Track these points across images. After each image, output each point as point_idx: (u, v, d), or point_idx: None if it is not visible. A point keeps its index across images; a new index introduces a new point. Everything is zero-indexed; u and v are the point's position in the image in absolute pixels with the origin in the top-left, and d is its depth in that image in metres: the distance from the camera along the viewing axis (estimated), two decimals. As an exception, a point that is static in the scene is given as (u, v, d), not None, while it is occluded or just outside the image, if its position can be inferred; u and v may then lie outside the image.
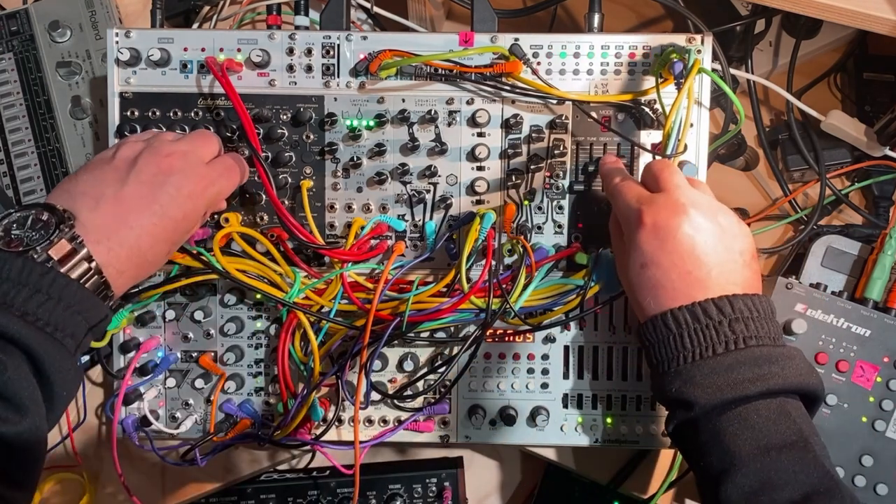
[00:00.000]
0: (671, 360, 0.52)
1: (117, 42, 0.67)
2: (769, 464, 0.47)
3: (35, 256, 0.50)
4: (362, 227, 0.65)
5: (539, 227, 0.67)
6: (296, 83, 0.67)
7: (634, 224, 0.55)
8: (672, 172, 0.57)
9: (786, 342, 0.55)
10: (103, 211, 0.54)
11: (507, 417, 0.67)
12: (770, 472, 0.47)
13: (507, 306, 0.62)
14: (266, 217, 0.67)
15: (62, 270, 0.51)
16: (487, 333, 0.66)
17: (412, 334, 0.64)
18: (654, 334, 0.54)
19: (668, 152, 0.61)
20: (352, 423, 0.67)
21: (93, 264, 0.52)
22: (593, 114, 0.66)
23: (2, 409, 0.48)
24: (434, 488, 0.73)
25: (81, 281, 0.51)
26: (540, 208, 0.67)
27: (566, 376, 0.68)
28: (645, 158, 0.66)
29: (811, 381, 0.52)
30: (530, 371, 0.68)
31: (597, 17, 0.68)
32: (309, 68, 0.66)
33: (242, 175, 0.64)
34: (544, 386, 0.68)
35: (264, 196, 0.67)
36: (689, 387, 0.51)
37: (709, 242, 0.53)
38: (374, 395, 0.67)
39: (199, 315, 0.68)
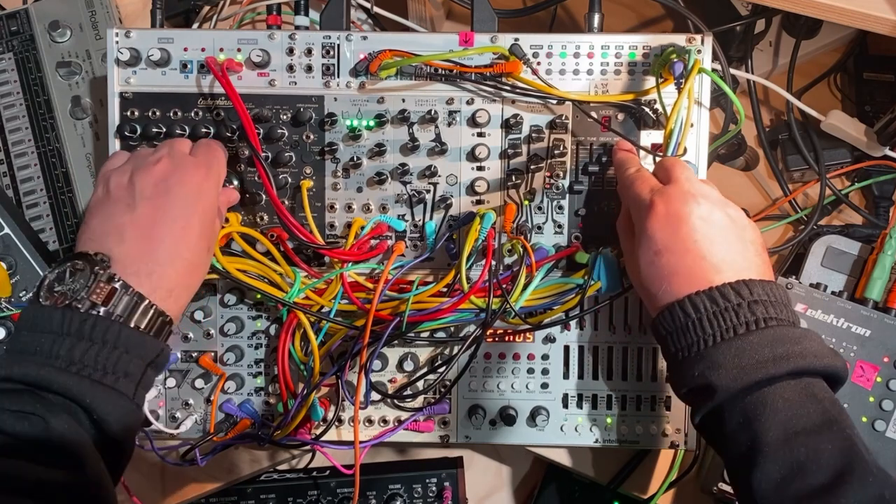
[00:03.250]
0: (691, 345, 0.52)
1: (117, 42, 0.67)
2: (798, 448, 0.47)
3: (79, 307, 0.51)
4: (362, 227, 0.65)
5: (539, 227, 0.67)
6: (296, 83, 0.67)
7: (646, 213, 0.55)
8: (684, 167, 0.58)
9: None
10: (129, 240, 0.54)
11: (507, 417, 0.67)
12: (799, 457, 0.46)
13: (507, 306, 0.62)
14: (266, 217, 0.67)
15: (103, 313, 0.51)
16: (487, 333, 0.66)
17: (412, 334, 0.64)
18: (671, 322, 0.53)
19: (669, 153, 0.61)
20: (352, 423, 0.67)
21: (136, 297, 0.52)
22: (593, 114, 0.66)
23: (52, 460, 0.47)
24: (434, 488, 0.73)
25: (127, 318, 0.52)
26: (540, 208, 0.67)
27: (566, 376, 0.68)
28: (646, 158, 0.66)
29: (835, 361, 0.51)
30: (530, 371, 0.68)
31: (597, 17, 0.68)
32: (309, 68, 0.66)
33: (224, 151, 0.64)
34: (544, 386, 0.68)
35: (264, 196, 0.67)
36: (712, 371, 0.50)
37: (721, 230, 0.54)
38: (374, 395, 0.67)
39: (199, 315, 0.68)
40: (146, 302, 0.53)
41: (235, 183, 0.66)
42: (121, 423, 0.51)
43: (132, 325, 0.52)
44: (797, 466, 0.46)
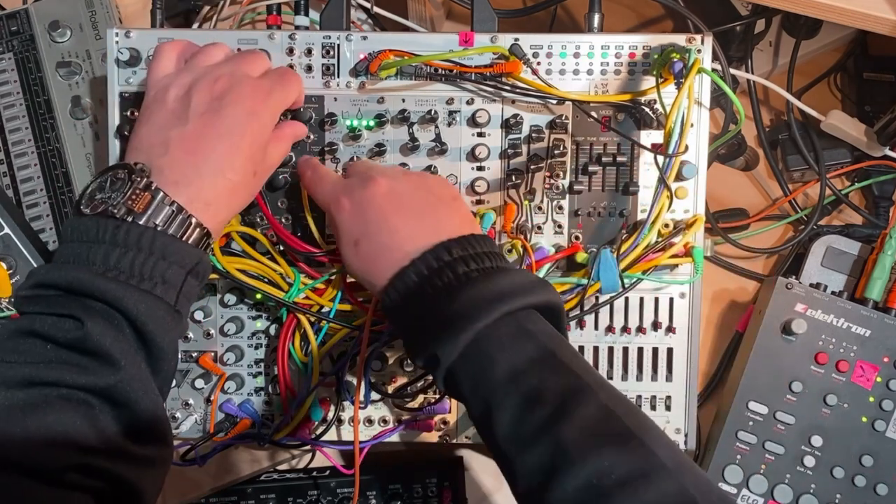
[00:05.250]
0: (410, 321, 0.52)
1: (117, 42, 0.67)
2: (522, 387, 0.47)
3: (114, 212, 0.51)
4: (362, 227, 0.65)
5: (539, 227, 0.67)
6: (296, 83, 0.66)
7: (336, 210, 0.57)
8: (361, 161, 0.61)
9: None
10: (174, 153, 0.54)
11: (507, 417, 0.67)
12: (525, 394, 0.47)
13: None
14: (265, 219, 0.67)
15: (142, 221, 0.51)
16: (487, 333, 0.66)
17: (412, 334, 0.64)
18: (389, 304, 0.53)
19: (670, 152, 0.61)
20: (352, 423, 0.67)
21: (174, 206, 0.52)
22: (593, 114, 0.66)
23: (92, 362, 0.48)
24: (434, 488, 0.73)
25: (163, 225, 0.51)
26: (540, 208, 0.67)
27: (566, 376, 0.68)
28: (645, 158, 0.66)
29: (543, 294, 0.51)
30: (530, 371, 0.68)
31: (597, 17, 0.68)
32: (309, 68, 0.66)
33: (299, 84, 0.63)
34: (544, 386, 0.68)
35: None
36: (432, 343, 0.50)
37: (409, 199, 0.55)
38: (374, 395, 0.67)
39: (199, 315, 0.68)
40: (183, 211, 0.52)
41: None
42: (160, 328, 0.50)
43: (169, 232, 0.52)
44: (525, 403, 0.47)
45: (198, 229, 0.53)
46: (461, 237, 0.53)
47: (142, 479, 0.49)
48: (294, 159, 0.67)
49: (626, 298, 0.67)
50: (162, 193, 0.52)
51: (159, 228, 0.51)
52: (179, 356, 0.68)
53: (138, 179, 0.52)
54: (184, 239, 0.53)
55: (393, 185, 0.56)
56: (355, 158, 0.66)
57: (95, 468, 0.46)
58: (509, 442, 0.47)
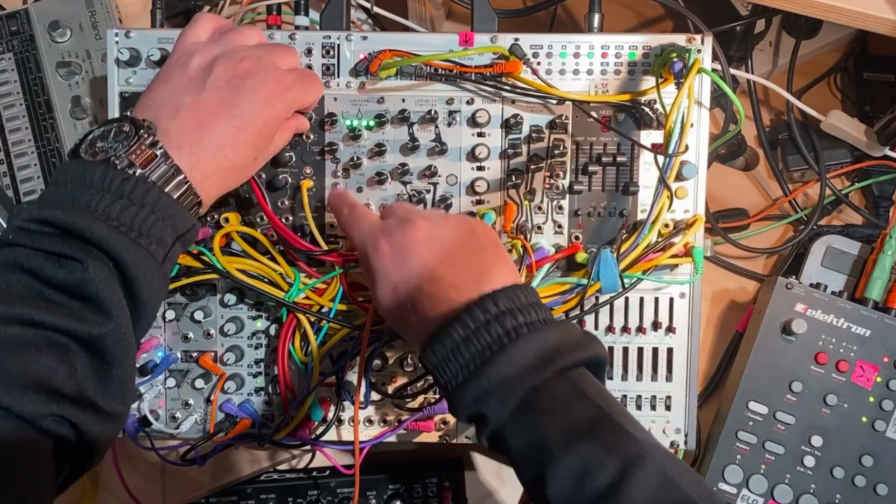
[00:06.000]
0: (456, 375, 0.49)
1: (117, 42, 0.67)
2: (580, 450, 0.46)
3: (116, 163, 0.50)
4: (362, 227, 0.65)
5: (539, 227, 0.67)
6: (296, 83, 0.66)
7: (373, 253, 0.54)
8: (400, 203, 0.59)
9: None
10: (183, 118, 0.54)
11: (507, 417, 0.67)
12: (583, 458, 0.46)
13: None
14: (266, 217, 0.67)
15: (140, 175, 0.51)
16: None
17: (412, 334, 0.64)
18: (433, 356, 0.50)
19: (670, 152, 0.61)
20: (352, 423, 0.67)
21: (174, 169, 0.52)
22: (593, 114, 0.66)
23: (84, 308, 0.48)
24: (434, 488, 0.73)
25: (163, 186, 0.51)
26: (540, 208, 0.67)
27: (566, 376, 0.68)
28: (645, 158, 0.66)
29: (591, 349, 0.50)
30: (530, 371, 0.68)
31: (597, 17, 0.68)
32: (309, 68, 0.66)
33: (320, 89, 0.63)
34: (544, 386, 0.68)
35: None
36: (479, 399, 0.48)
37: (450, 244, 0.53)
38: (374, 395, 0.67)
39: (199, 315, 0.68)
40: (182, 176, 0.52)
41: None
42: (149, 285, 0.50)
43: (169, 191, 0.52)
44: (584, 469, 0.45)
45: (191, 196, 0.53)
46: (506, 288, 0.50)
47: (102, 434, 0.49)
48: (293, 159, 0.67)
49: (626, 298, 0.67)
50: (165, 154, 0.52)
51: (162, 186, 0.51)
52: (179, 356, 0.69)
53: (145, 136, 0.52)
54: (180, 201, 0.53)
55: (433, 229, 0.53)
56: (355, 158, 0.66)
57: (66, 417, 0.46)
58: None
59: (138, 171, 0.51)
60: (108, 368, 0.49)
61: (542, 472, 0.46)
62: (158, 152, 0.52)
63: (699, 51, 0.64)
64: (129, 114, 0.55)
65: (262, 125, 0.56)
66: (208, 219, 0.67)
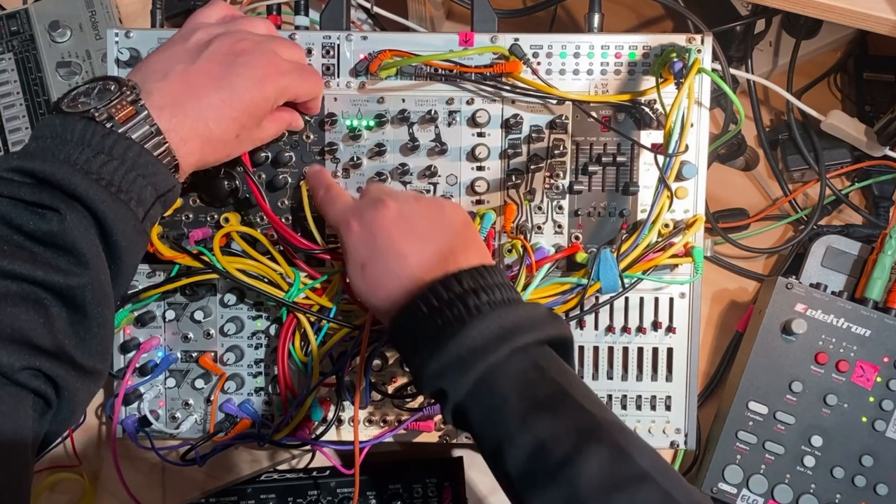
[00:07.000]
0: (419, 351, 0.50)
1: (117, 42, 0.67)
2: (536, 426, 0.47)
3: (96, 115, 0.50)
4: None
5: (539, 227, 0.67)
6: (296, 83, 0.66)
7: (345, 232, 0.56)
8: (376, 185, 0.61)
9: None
10: (170, 82, 0.54)
11: (507, 417, 0.67)
12: (540, 434, 0.47)
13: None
14: (265, 216, 0.67)
15: (123, 132, 0.50)
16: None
17: (412, 334, 0.64)
18: (399, 333, 0.52)
19: (670, 152, 0.61)
20: (352, 423, 0.67)
21: (154, 128, 0.52)
22: (593, 114, 0.66)
23: (61, 259, 0.47)
24: (434, 488, 0.73)
25: (142, 143, 0.51)
26: (540, 208, 0.67)
27: (566, 376, 0.68)
28: (645, 158, 0.66)
29: (554, 328, 0.51)
30: (530, 371, 0.68)
31: (597, 17, 0.68)
32: (309, 68, 0.66)
33: (318, 85, 0.63)
34: (544, 386, 0.68)
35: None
36: (440, 376, 0.49)
37: (418, 222, 0.54)
38: (374, 395, 0.67)
39: (199, 315, 0.68)
40: (161, 136, 0.52)
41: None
42: (128, 240, 0.50)
43: (149, 149, 0.51)
44: (540, 444, 0.46)
45: (169, 157, 0.53)
46: (472, 268, 0.51)
47: (79, 390, 0.48)
48: (293, 159, 0.67)
49: (626, 298, 0.67)
50: (146, 112, 0.52)
51: (142, 144, 0.51)
52: (179, 356, 0.69)
53: (127, 93, 0.52)
54: (161, 160, 0.52)
55: (402, 209, 0.55)
56: (355, 158, 0.66)
57: (44, 371, 0.46)
58: (522, 480, 0.47)
59: (120, 128, 0.50)
60: (86, 323, 0.48)
61: (501, 448, 0.48)
62: (139, 109, 0.51)
63: (699, 51, 0.64)
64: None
65: (248, 103, 0.56)
66: (208, 219, 0.67)
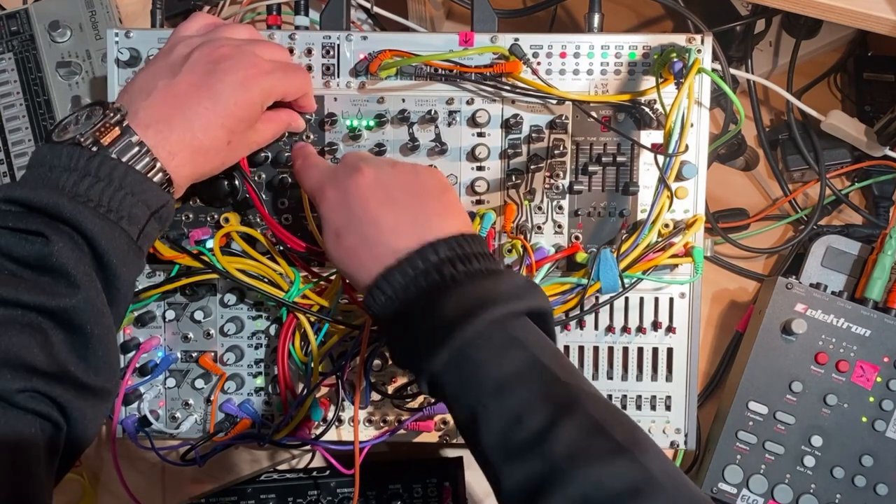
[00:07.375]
0: (395, 322, 0.50)
1: (117, 42, 0.67)
2: (511, 398, 0.46)
3: (81, 141, 0.50)
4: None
5: (539, 227, 0.67)
6: (296, 83, 0.66)
7: (320, 200, 0.55)
8: (354, 152, 0.59)
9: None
10: (154, 100, 0.54)
11: (507, 417, 0.67)
12: (514, 405, 0.46)
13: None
14: (262, 219, 0.67)
15: (111, 154, 0.50)
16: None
17: (412, 334, 0.64)
18: (374, 303, 0.51)
19: (670, 152, 0.61)
20: (352, 423, 0.67)
21: (139, 145, 0.52)
22: (593, 114, 0.66)
23: (51, 282, 0.47)
24: (434, 488, 0.73)
25: (129, 162, 0.51)
26: (540, 208, 0.67)
27: (566, 376, 0.68)
28: (645, 158, 0.66)
29: (532, 299, 0.50)
30: (530, 371, 0.68)
31: (597, 17, 0.68)
32: (309, 68, 0.66)
33: (304, 82, 0.63)
34: (544, 386, 0.68)
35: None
36: (415, 346, 0.48)
37: (394, 189, 0.53)
38: (374, 395, 0.67)
39: (199, 315, 0.68)
40: (149, 153, 0.52)
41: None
42: (120, 259, 0.50)
43: (138, 169, 0.52)
44: (514, 416, 0.46)
45: (160, 174, 0.53)
46: (450, 237, 0.50)
47: (87, 409, 0.48)
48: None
49: (626, 298, 0.67)
50: (132, 131, 0.52)
51: (130, 164, 0.51)
52: (179, 356, 0.69)
53: (111, 115, 0.52)
54: (150, 177, 0.52)
55: (379, 175, 0.53)
56: (355, 158, 0.66)
57: (45, 393, 0.46)
58: (496, 453, 0.46)
59: (105, 150, 0.50)
60: (86, 342, 0.48)
61: (476, 419, 0.47)
62: (124, 129, 0.52)
63: (699, 51, 0.64)
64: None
65: (234, 107, 0.56)
66: (208, 219, 0.67)
